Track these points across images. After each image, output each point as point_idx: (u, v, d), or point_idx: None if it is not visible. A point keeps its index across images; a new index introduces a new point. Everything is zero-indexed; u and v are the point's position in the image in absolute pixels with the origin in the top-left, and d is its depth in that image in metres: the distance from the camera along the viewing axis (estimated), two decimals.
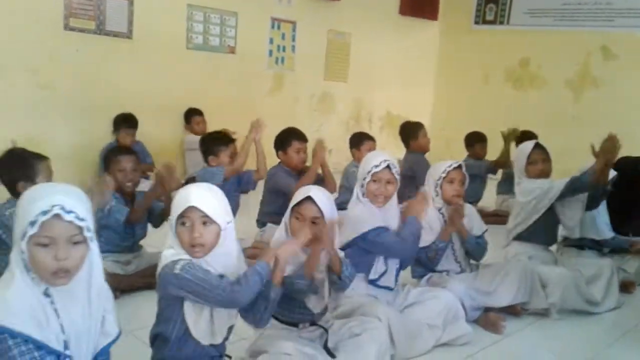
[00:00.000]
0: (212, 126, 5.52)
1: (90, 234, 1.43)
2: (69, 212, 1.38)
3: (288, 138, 3.84)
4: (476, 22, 8.58)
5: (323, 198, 2.15)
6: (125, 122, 5.18)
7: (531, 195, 3.26)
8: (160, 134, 5.71)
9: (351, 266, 2.22)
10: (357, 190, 2.65)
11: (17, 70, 4.83)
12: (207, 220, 1.71)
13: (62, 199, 1.39)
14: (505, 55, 8.17)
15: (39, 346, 1.35)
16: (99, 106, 5.27)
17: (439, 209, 2.94)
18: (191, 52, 6.07)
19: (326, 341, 2.18)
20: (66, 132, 5.16)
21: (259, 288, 1.77)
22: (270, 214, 3.70)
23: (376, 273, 2.59)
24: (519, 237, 3.35)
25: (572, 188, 3.14)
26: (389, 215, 2.63)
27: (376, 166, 2.57)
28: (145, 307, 1.80)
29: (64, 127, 5.15)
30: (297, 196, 2.15)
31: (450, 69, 8.81)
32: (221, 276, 1.75)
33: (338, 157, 7.73)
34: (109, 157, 3.14)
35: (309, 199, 2.12)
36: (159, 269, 1.75)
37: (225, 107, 6.23)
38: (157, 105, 5.71)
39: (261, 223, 3.84)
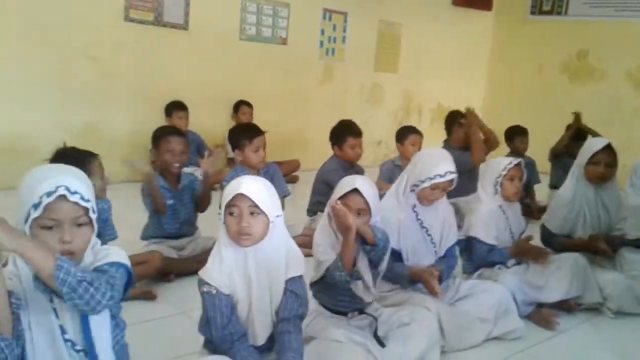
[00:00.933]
0: (261, 117, 5.60)
1: (95, 215, 1.39)
2: (74, 192, 1.34)
3: (343, 135, 3.83)
4: (532, 13, 8.35)
5: (369, 189, 2.15)
6: (176, 106, 5.34)
7: None
8: (211, 124, 5.83)
9: (382, 230, 2.18)
10: (404, 187, 2.57)
11: (81, 60, 5.02)
12: (255, 210, 1.68)
13: (66, 180, 1.35)
14: (562, 46, 7.93)
15: None
16: (155, 95, 5.43)
17: (500, 206, 2.91)
18: (244, 43, 6.16)
19: (376, 330, 2.20)
20: (123, 119, 5.35)
21: None
22: (320, 203, 3.73)
23: None
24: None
25: None
26: (425, 217, 2.58)
27: (441, 176, 2.47)
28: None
29: (121, 114, 5.33)
30: (343, 187, 2.15)
31: (503, 60, 8.62)
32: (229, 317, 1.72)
33: (387, 149, 7.72)
34: (160, 136, 3.17)
35: (355, 190, 2.13)
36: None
37: (276, 98, 6.32)
38: (209, 96, 5.84)
39: (311, 212, 3.89)
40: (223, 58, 5.95)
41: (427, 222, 2.56)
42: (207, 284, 1.72)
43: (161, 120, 5.37)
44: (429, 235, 2.57)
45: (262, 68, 6.30)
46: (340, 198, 2.13)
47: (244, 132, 3.39)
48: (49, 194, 1.31)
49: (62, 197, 1.32)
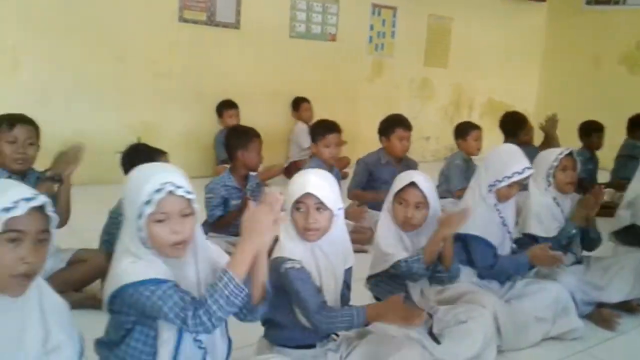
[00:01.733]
0: (317, 114, 5.66)
1: (197, 206, 1.50)
2: (179, 187, 1.45)
3: (393, 125, 3.84)
4: (588, 3, 8.09)
5: (426, 183, 2.17)
6: (226, 105, 5.47)
7: None
8: (263, 121, 5.90)
9: (459, 266, 2.23)
10: (482, 189, 2.52)
11: (138, 60, 5.21)
12: (321, 206, 1.76)
13: (170, 176, 1.46)
14: (620, 37, 7.64)
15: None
16: (208, 94, 5.56)
17: (554, 198, 2.85)
18: (294, 41, 6.23)
19: (431, 327, 2.21)
20: (178, 118, 5.51)
21: (341, 329, 1.81)
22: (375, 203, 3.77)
23: None
24: None
25: None
26: (507, 215, 2.57)
27: (519, 173, 2.45)
28: None
29: (176, 113, 5.49)
30: (400, 182, 2.18)
31: (558, 52, 8.38)
32: (318, 290, 1.78)
33: (437, 145, 7.65)
34: (239, 138, 3.29)
35: (412, 184, 2.15)
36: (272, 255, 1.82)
37: (325, 95, 6.35)
38: (261, 93, 5.93)
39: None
40: (273, 56, 6.03)
41: (507, 219, 2.57)
42: (291, 259, 1.77)
43: (214, 120, 5.52)
44: (508, 232, 2.58)
45: (312, 65, 6.35)
46: (398, 192, 2.17)
47: (320, 127, 3.70)
48: (158, 191, 1.42)
49: (170, 192, 1.43)
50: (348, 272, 1.91)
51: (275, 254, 1.82)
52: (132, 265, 1.45)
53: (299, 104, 6.06)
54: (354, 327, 1.80)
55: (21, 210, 1.21)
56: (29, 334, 1.27)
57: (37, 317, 1.29)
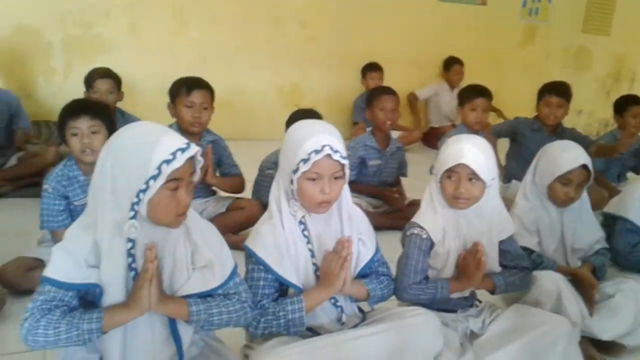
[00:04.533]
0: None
1: (348, 171, 1.56)
2: (336, 151, 1.51)
3: (543, 91, 3.66)
4: None
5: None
6: (370, 67, 5.53)
7: None
8: (405, 86, 5.92)
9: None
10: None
11: (291, 24, 5.44)
12: (473, 177, 1.72)
13: (329, 139, 1.51)
14: None
15: (276, 278, 1.57)
16: (353, 57, 5.66)
17: None
18: (443, 4, 6.08)
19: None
20: (323, 79, 5.69)
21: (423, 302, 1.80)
22: (515, 170, 3.65)
23: None
24: None
25: None
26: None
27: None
28: (387, 245, 1.89)
29: (321, 75, 5.67)
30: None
31: None
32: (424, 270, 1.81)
33: (589, 119, 7.12)
34: (371, 95, 3.32)
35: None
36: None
37: (471, 61, 6.14)
38: (405, 57, 5.91)
39: (507, 179, 3.83)
40: (421, 19, 5.95)
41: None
42: (420, 227, 1.79)
43: (357, 82, 5.63)
44: None
45: (459, 30, 6.17)
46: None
47: (470, 90, 3.57)
48: (316, 152, 1.49)
49: (327, 155, 1.50)
50: (507, 241, 1.86)
51: (421, 211, 1.84)
52: (261, 238, 1.57)
53: (450, 65, 5.93)
54: (436, 300, 1.79)
55: (179, 161, 1.29)
56: (179, 252, 1.41)
57: (182, 236, 1.42)
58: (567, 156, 2.07)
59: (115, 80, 3.61)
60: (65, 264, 1.32)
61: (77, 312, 1.31)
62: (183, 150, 1.30)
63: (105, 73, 3.57)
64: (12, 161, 3.56)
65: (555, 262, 2.10)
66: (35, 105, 4.43)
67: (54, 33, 4.63)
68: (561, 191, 2.07)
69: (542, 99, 3.65)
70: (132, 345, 1.40)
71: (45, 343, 1.28)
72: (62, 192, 2.27)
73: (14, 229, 2.35)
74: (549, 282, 1.93)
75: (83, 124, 2.23)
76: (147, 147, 1.29)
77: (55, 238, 2.28)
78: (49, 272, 1.32)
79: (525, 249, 2.02)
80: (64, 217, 2.27)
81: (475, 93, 3.48)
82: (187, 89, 2.76)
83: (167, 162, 1.28)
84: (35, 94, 4.62)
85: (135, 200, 1.30)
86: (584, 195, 2.17)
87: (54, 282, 1.31)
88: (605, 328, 2.02)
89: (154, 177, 1.28)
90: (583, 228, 2.18)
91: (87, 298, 1.37)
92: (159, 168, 1.27)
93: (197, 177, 1.40)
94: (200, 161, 1.38)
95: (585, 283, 2.05)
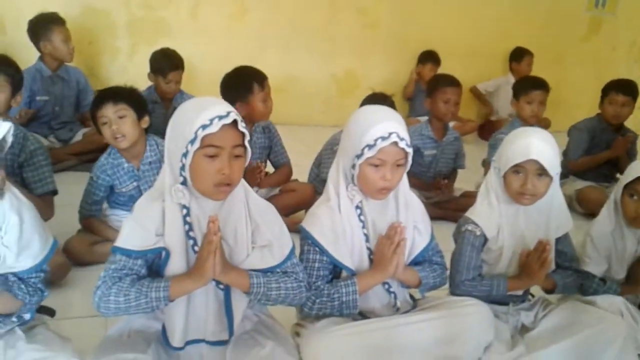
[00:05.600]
0: None
1: (410, 160, 1.57)
2: (402, 139, 1.51)
3: (607, 87, 3.57)
4: None
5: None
6: (430, 57, 5.47)
7: None
8: (465, 77, 5.80)
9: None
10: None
11: (349, 10, 5.41)
12: (542, 172, 1.67)
13: (396, 126, 1.51)
14: None
15: (330, 260, 1.60)
16: (409, 44, 5.60)
17: None
18: None
19: None
20: (379, 68, 5.64)
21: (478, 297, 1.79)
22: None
23: None
24: None
25: None
26: None
27: None
28: (438, 235, 1.84)
29: (376, 63, 5.63)
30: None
31: None
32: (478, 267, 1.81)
33: None
34: (435, 84, 3.26)
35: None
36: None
37: (533, 53, 5.96)
38: (464, 48, 5.78)
39: (563, 175, 3.75)
40: (481, 9, 5.81)
41: None
42: (474, 223, 1.77)
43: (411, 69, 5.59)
44: None
45: (519, 20, 5.98)
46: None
47: (526, 81, 3.49)
48: (383, 139, 1.50)
49: (394, 142, 1.50)
50: (562, 239, 1.83)
51: (477, 203, 1.82)
52: (318, 220, 1.60)
53: (522, 56, 5.73)
54: (491, 297, 1.77)
55: (215, 127, 1.31)
56: (240, 229, 1.45)
57: (244, 214, 1.46)
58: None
59: (183, 69, 3.82)
60: (134, 233, 1.39)
61: (145, 281, 1.37)
62: (221, 117, 1.33)
63: (176, 65, 3.75)
64: (78, 136, 3.77)
65: (619, 286, 1.97)
66: (99, 83, 4.58)
67: (120, 14, 4.77)
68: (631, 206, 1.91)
69: (607, 97, 3.54)
70: (191, 316, 1.46)
71: (117, 310, 1.34)
72: (107, 181, 2.41)
73: (78, 200, 2.48)
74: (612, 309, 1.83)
75: (108, 111, 2.30)
76: (194, 114, 1.35)
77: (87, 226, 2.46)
78: (119, 242, 1.40)
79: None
80: (96, 208, 2.46)
81: (531, 85, 3.38)
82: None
83: (204, 127, 1.32)
84: (100, 73, 4.80)
85: (180, 164, 1.36)
86: None
87: (124, 251, 1.38)
88: None
89: (192, 142, 1.33)
90: None
91: (154, 268, 1.44)
92: (195, 132, 1.32)
93: (248, 155, 1.44)
94: (247, 135, 1.40)
95: None
